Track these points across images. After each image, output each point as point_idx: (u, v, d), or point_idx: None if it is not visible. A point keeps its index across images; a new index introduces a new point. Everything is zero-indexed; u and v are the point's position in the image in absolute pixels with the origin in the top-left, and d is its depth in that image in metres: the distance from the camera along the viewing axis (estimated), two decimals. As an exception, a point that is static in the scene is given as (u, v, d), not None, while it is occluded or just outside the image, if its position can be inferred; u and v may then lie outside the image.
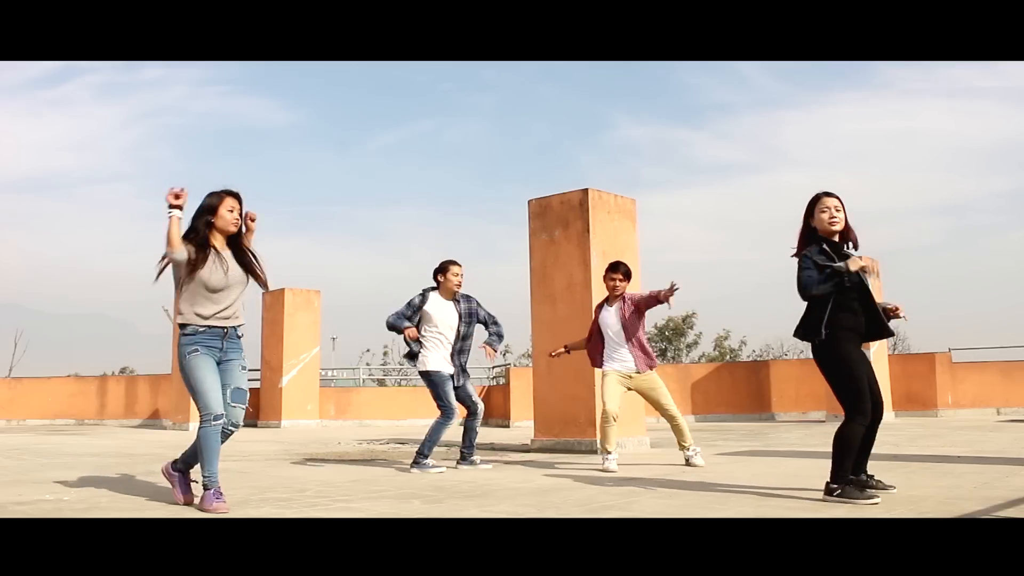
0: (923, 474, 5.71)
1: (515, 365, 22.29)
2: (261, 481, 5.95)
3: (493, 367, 21.80)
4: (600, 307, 6.87)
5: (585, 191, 9.05)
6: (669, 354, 41.71)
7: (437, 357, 6.72)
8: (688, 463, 6.68)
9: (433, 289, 6.87)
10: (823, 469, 6.08)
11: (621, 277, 6.73)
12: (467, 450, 6.92)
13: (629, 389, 6.70)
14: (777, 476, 5.77)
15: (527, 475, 6.18)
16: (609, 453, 6.53)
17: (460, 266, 6.86)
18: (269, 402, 17.57)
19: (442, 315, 6.76)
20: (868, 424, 4.41)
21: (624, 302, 6.72)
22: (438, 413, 6.65)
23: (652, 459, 7.53)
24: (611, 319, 6.70)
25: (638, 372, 6.64)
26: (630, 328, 6.62)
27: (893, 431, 11.30)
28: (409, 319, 6.78)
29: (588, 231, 8.90)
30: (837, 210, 4.52)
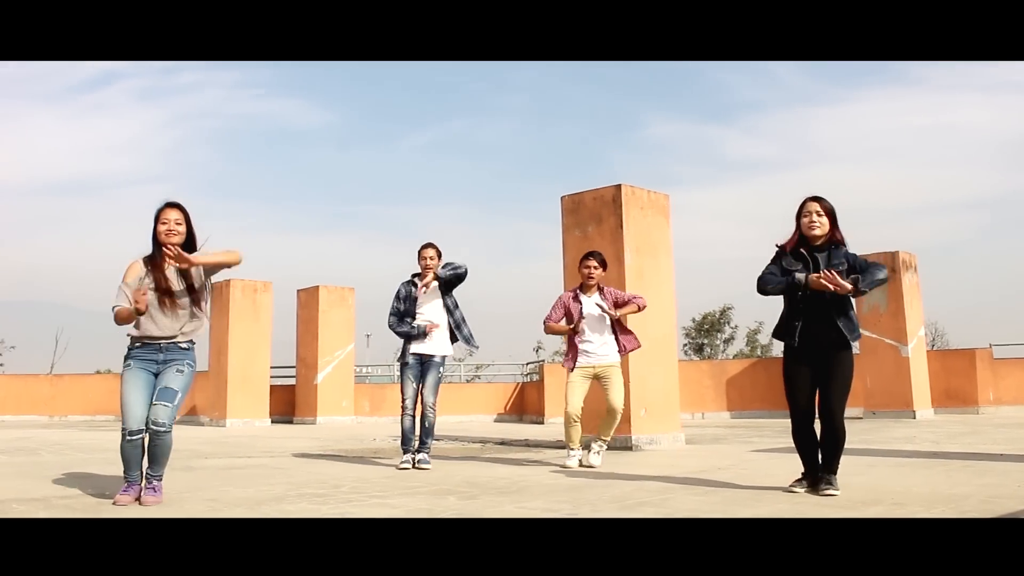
0: (964, 472, 5.63)
1: (549, 362, 22.24)
2: (297, 477, 6.00)
3: (526, 364, 21.80)
4: (572, 300, 6.64)
5: (618, 187, 9.00)
6: (706, 351, 41.49)
7: (409, 346, 6.71)
8: (588, 451, 6.60)
9: (417, 275, 6.77)
10: (858, 466, 6.03)
11: (596, 265, 6.63)
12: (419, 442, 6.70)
13: (592, 380, 6.60)
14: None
15: (561, 471, 6.17)
16: (572, 451, 6.58)
17: (432, 247, 6.70)
18: (304, 399, 17.72)
19: (423, 305, 6.70)
20: (796, 424, 4.75)
21: (604, 295, 6.62)
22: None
23: (687, 455, 7.49)
24: (594, 309, 6.55)
25: (603, 365, 6.53)
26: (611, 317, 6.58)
27: (932, 428, 11.15)
28: (404, 313, 6.70)
29: (621, 227, 8.86)
30: (819, 215, 4.69)
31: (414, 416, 6.66)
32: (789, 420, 4.80)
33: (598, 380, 6.59)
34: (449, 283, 6.72)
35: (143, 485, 4.59)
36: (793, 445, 4.82)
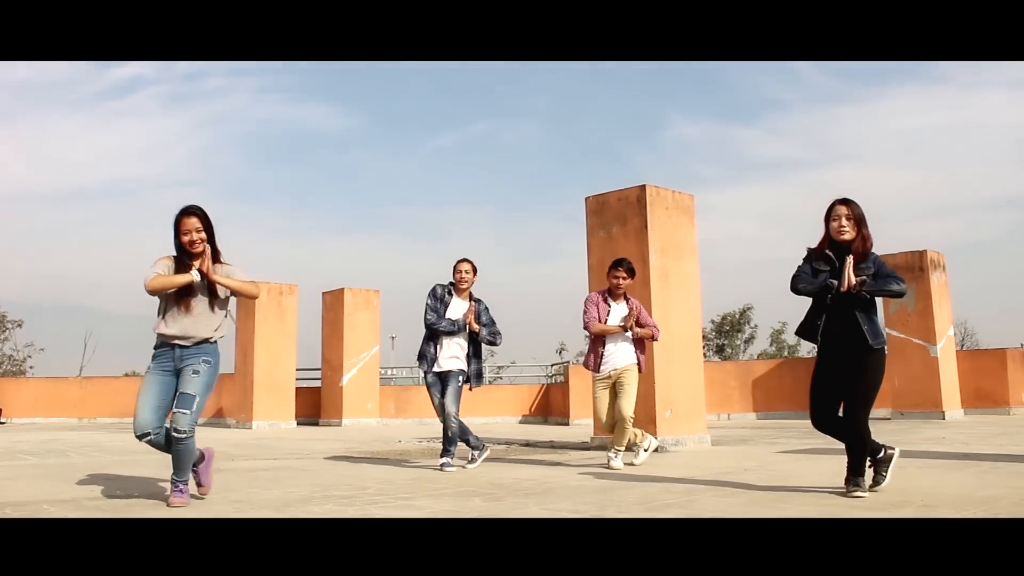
0: (995, 473, 5.55)
1: (574, 363, 22.22)
2: (323, 479, 6.03)
3: (551, 366, 21.78)
4: (602, 302, 6.75)
5: (643, 187, 8.97)
6: (727, 351, 41.28)
7: (440, 357, 6.75)
8: (608, 463, 6.61)
9: (453, 285, 6.85)
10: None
11: (625, 275, 6.71)
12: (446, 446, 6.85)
13: (612, 386, 6.68)
14: (839, 474, 5.65)
15: (586, 473, 6.16)
16: (619, 451, 6.61)
17: (468, 263, 6.83)
18: (330, 401, 17.81)
19: (454, 314, 6.77)
20: (815, 423, 4.74)
21: (631, 304, 6.74)
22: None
23: (713, 456, 7.45)
24: (620, 316, 6.67)
25: (622, 368, 6.59)
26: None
27: (962, 429, 11.01)
28: (437, 312, 6.75)
29: (646, 227, 8.83)
30: (847, 219, 4.64)
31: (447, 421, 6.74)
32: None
33: (613, 383, 6.66)
34: (477, 342, 6.80)
35: (169, 489, 4.62)
36: (818, 446, 4.79)
